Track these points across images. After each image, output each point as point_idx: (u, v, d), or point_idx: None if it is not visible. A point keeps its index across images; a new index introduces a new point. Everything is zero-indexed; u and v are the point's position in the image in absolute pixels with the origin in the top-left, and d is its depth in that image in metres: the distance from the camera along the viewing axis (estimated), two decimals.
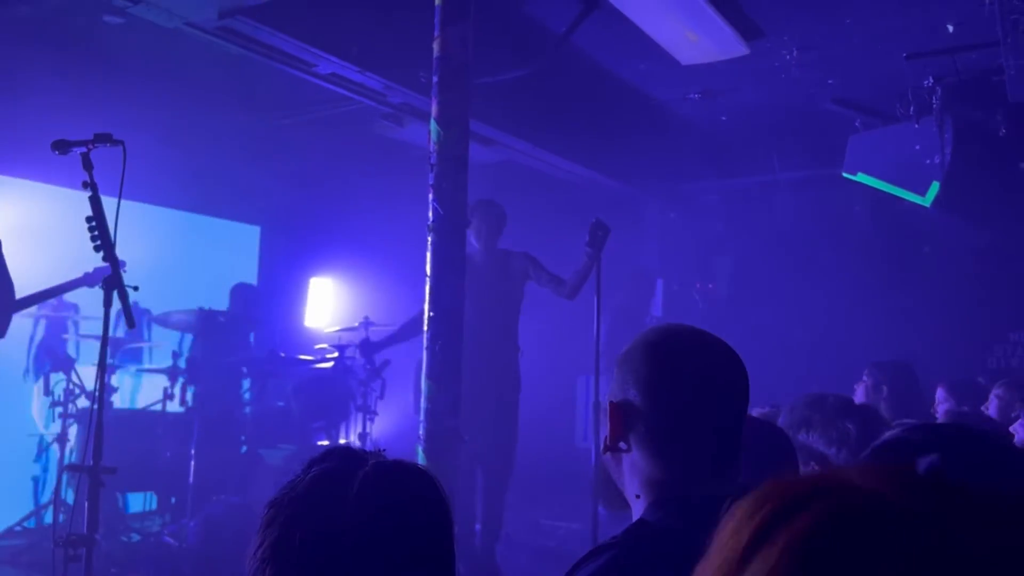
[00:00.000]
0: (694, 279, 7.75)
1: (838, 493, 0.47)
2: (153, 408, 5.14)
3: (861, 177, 5.87)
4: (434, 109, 3.66)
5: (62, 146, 2.74)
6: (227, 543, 4.27)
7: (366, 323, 5.56)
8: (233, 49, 4.44)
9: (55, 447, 4.86)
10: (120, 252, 2.82)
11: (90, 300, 4.52)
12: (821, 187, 6.89)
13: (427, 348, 3.57)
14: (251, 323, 5.76)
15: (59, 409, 4.81)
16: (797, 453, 2.01)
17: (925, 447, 1.14)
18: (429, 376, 3.55)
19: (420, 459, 3.50)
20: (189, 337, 5.69)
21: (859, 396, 3.53)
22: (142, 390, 5.66)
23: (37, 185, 5.15)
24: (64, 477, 4.24)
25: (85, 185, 2.72)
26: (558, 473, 6.05)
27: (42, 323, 5.27)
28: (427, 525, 1.07)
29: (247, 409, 5.47)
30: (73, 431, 4.85)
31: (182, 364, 5.12)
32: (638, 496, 1.21)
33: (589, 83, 5.66)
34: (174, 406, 5.07)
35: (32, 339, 5.20)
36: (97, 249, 2.75)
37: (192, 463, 4.79)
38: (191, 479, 4.76)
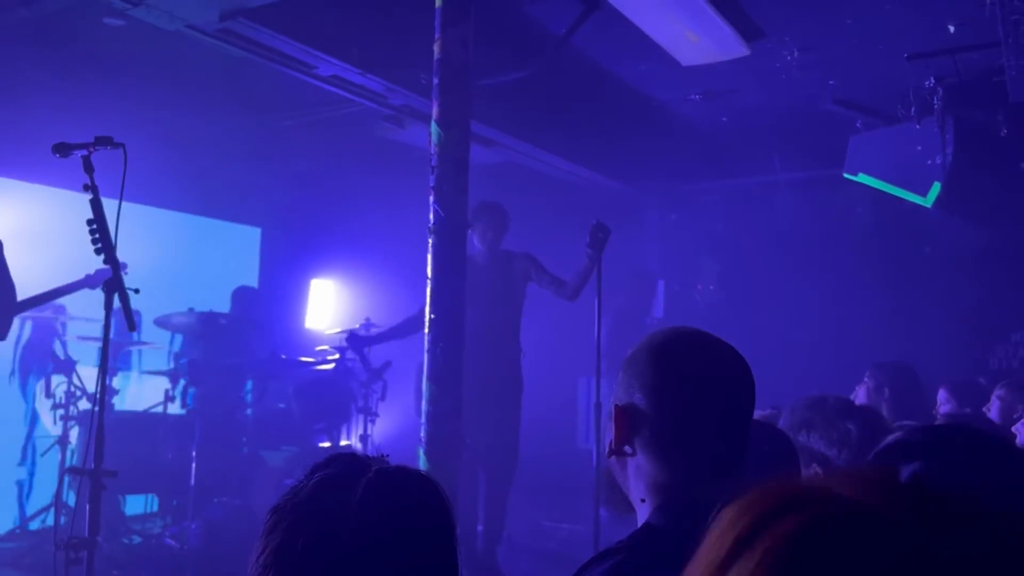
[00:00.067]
0: (695, 280, 7.75)
1: (818, 501, 0.47)
2: (154, 410, 5.13)
3: (862, 178, 5.87)
4: (435, 111, 3.66)
5: (63, 149, 2.74)
6: (228, 545, 4.27)
7: (367, 324, 5.56)
8: (234, 51, 4.44)
9: (56, 448, 4.86)
10: (121, 254, 2.82)
11: (80, 302, 4.53)
12: (822, 188, 6.88)
13: (428, 350, 3.57)
14: (252, 326, 5.76)
15: (60, 411, 4.81)
16: (799, 455, 2.01)
17: (928, 449, 1.14)
18: (430, 378, 3.55)
19: (421, 462, 3.49)
20: (180, 338, 5.69)
21: (860, 397, 3.52)
22: (143, 392, 5.65)
23: (38, 187, 5.15)
24: (65, 480, 4.24)
25: (86, 188, 2.72)
26: (559, 475, 6.04)
27: (29, 324, 5.25)
28: (430, 531, 1.06)
29: (248, 411, 5.47)
30: (74, 433, 4.85)
31: (183, 366, 5.12)
32: (643, 500, 1.20)
33: (589, 84, 5.66)
34: (175, 408, 5.07)
35: (19, 341, 5.18)
36: (98, 252, 2.75)
37: (193, 465, 4.78)
38: (192, 481, 4.76)
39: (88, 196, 2.72)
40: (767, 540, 0.45)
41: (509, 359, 4.73)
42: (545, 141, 6.28)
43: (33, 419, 5.27)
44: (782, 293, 6.73)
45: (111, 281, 2.77)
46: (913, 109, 5.24)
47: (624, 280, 6.77)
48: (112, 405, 5.03)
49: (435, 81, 3.67)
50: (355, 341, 5.06)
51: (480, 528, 4.59)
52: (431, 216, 3.60)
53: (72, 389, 4.84)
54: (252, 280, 6.83)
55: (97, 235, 2.74)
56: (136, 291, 2.85)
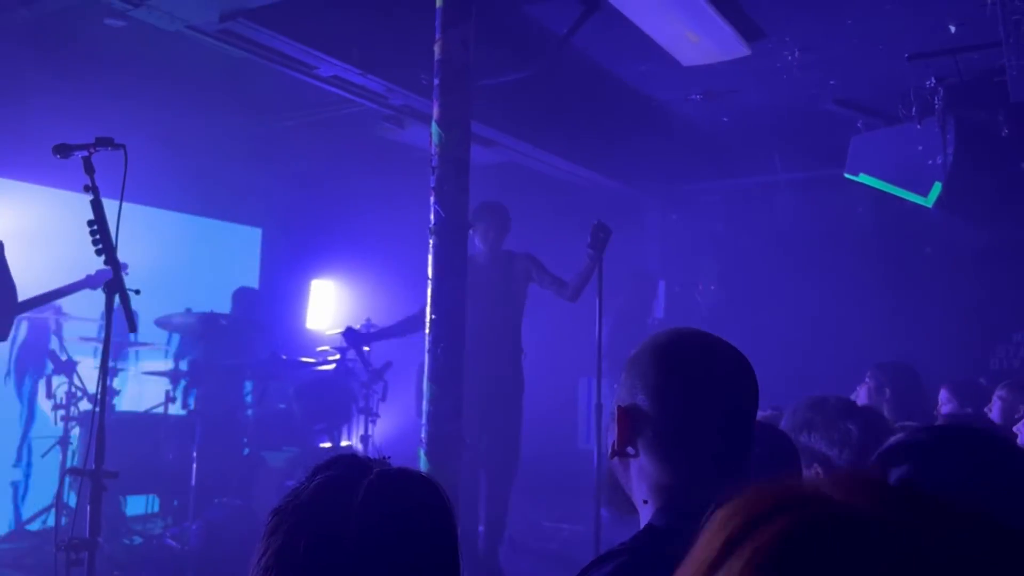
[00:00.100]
0: (696, 280, 7.75)
1: (808, 503, 0.47)
2: (155, 411, 5.14)
3: (863, 178, 5.87)
4: (435, 111, 3.65)
5: (63, 150, 2.74)
6: (229, 545, 4.27)
7: (367, 325, 5.55)
8: (234, 52, 4.44)
9: (57, 449, 4.86)
10: (121, 255, 2.82)
11: (77, 302, 4.53)
12: (823, 188, 6.88)
13: (429, 351, 3.57)
14: (253, 326, 5.76)
15: (61, 412, 4.81)
16: (800, 455, 2.01)
17: (932, 449, 1.13)
18: (431, 379, 3.55)
19: (422, 462, 3.49)
20: (180, 339, 5.69)
21: (862, 398, 3.52)
22: (144, 393, 5.65)
23: (39, 188, 5.16)
24: (66, 480, 4.24)
25: (87, 188, 2.72)
26: (560, 475, 6.04)
27: (24, 324, 5.23)
28: (431, 532, 1.06)
29: (249, 412, 5.47)
30: (75, 434, 4.86)
31: (184, 367, 5.13)
32: (646, 501, 1.20)
33: (590, 84, 5.66)
34: (176, 409, 5.07)
35: (14, 341, 5.17)
36: (99, 252, 2.75)
37: (194, 466, 4.79)
38: (193, 482, 4.76)
39: (89, 197, 2.73)
40: (756, 541, 0.46)
41: (510, 359, 4.73)
42: (545, 141, 6.28)
43: (29, 419, 5.26)
44: (783, 293, 6.73)
45: (112, 282, 2.77)
46: (914, 109, 5.24)
47: (624, 280, 6.77)
48: (113, 406, 5.04)
49: (435, 81, 3.67)
50: (352, 336, 5.02)
51: (481, 529, 4.59)
52: (432, 216, 3.60)
53: (73, 390, 4.84)
54: (253, 281, 6.83)
55: (98, 236, 2.74)
56: (137, 292, 2.85)
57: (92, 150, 2.73)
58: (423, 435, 3.54)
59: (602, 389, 4.20)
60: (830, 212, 6.99)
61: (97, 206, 2.73)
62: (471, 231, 4.45)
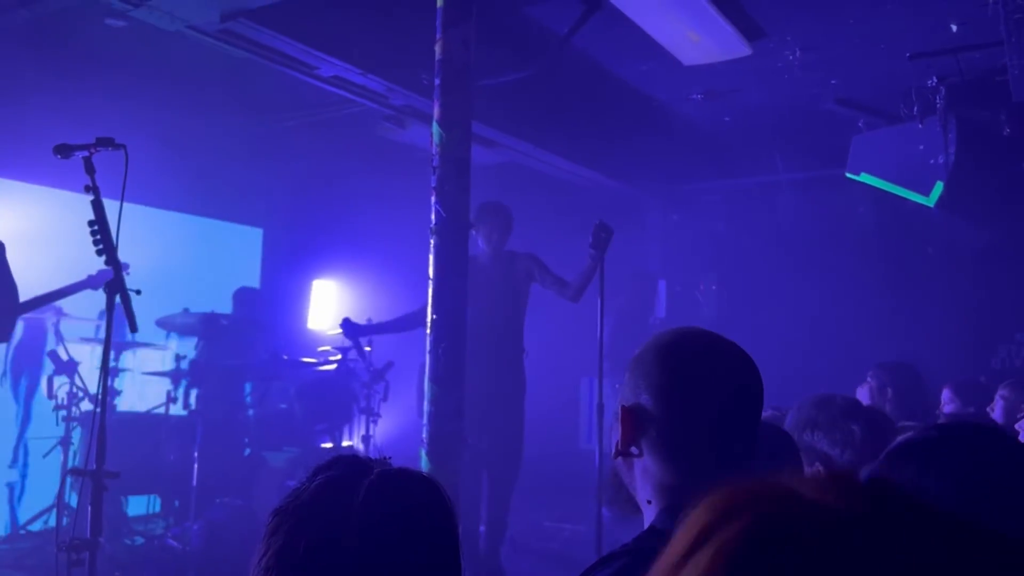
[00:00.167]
0: (696, 280, 7.74)
1: (776, 499, 0.48)
2: (156, 411, 5.14)
3: (864, 177, 5.86)
4: (436, 111, 3.65)
5: (64, 150, 2.74)
6: (230, 546, 4.28)
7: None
8: (235, 52, 4.44)
9: (58, 449, 4.86)
10: (122, 255, 2.82)
11: (76, 303, 4.53)
12: (824, 188, 6.87)
13: (430, 351, 3.56)
14: (254, 326, 5.76)
15: (62, 412, 4.81)
16: (802, 454, 2.00)
17: (941, 447, 1.13)
18: (432, 379, 3.54)
19: (423, 462, 3.49)
20: (182, 339, 5.68)
21: (863, 398, 3.51)
22: (145, 393, 5.65)
23: (39, 189, 5.16)
24: (68, 481, 4.23)
25: (87, 188, 2.72)
26: (562, 475, 6.04)
27: (21, 325, 5.22)
28: (432, 532, 1.06)
29: (250, 412, 5.47)
30: (76, 434, 4.86)
31: (185, 367, 5.13)
32: (650, 501, 1.20)
33: (591, 84, 5.65)
34: (177, 409, 5.07)
35: (11, 341, 5.17)
36: (99, 253, 2.75)
37: (195, 466, 4.79)
38: (194, 482, 4.76)
39: (89, 197, 2.72)
40: (723, 535, 0.46)
41: (512, 359, 4.72)
42: (546, 141, 6.27)
43: (25, 420, 5.26)
44: (783, 293, 6.72)
45: (113, 282, 2.77)
46: (915, 108, 5.23)
47: (625, 281, 6.77)
48: (114, 406, 5.04)
49: (436, 81, 3.67)
50: (349, 328, 5.00)
51: (483, 529, 4.58)
52: (433, 216, 3.60)
53: (74, 390, 4.84)
54: (254, 281, 6.83)
55: (98, 236, 2.74)
56: (138, 292, 2.85)
57: (93, 150, 2.73)
58: (424, 435, 3.54)
59: (604, 389, 4.20)
60: (831, 212, 6.98)
61: (98, 206, 2.73)
62: (473, 231, 4.45)
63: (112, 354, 3.01)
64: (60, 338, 5.05)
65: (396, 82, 4.96)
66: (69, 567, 2.61)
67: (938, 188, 5.46)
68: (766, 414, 2.63)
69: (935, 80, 5.10)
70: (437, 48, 3.65)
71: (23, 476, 5.16)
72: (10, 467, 5.16)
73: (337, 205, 6.90)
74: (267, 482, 4.89)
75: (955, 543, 0.44)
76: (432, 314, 3.57)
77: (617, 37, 4.79)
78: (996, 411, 3.54)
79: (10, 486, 5.14)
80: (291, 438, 5.29)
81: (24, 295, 3.87)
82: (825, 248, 6.85)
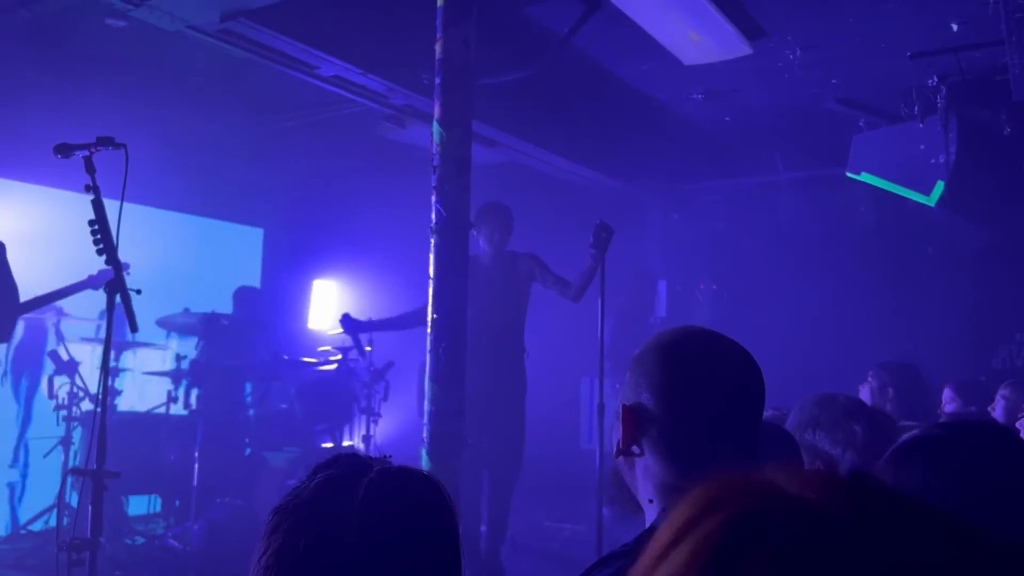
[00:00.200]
0: (697, 280, 7.74)
1: (757, 494, 0.48)
2: (157, 411, 5.14)
3: (865, 177, 5.86)
4: (436, 110, 3.65)
5: (64, 150, 2.74)
6: (231, 545, 4.27)
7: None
8: (235, 52, 4.44)
9: (59, 449, 4.86)
10: (123, 255, 2.82)
11: (76, 303, 4.52)
12: (824, 187, 6.87)
13: (431, 350, 3.56)
14: (255, 326, 5.76)
15: (63, 412, 4.81)
16: (803, 453, 2.00)
17: (947, 444, 1.13)
18: (433, 379, 3.54)
19: (423, 462, 3.49)
20: (182, 339, 5.68)
21: (864, 398, 3.51)
22: (145, 393, 5.65)
23: (40, 189, 5.16)
24: (68, 480, 4.23)
25: (87, 188, 2.72)
26: (562, 475, 6.04)
27: (21, 324, 5.22)
28: (432, 531, 1.06)
29: (251, 412, 5.47)
30: (77, 434, 4.85)
31: (186, 367, 5.13)
32: (651, 500, 1.19)
33: (591, 84, 5.65)
34: (178, 409, 5.07)
35: (11, 341, 5.17)
36: (100, 252, 2.75)
37: (196, 466, 4.79)
38: (195, 482, 4.76)
39: (90, 197, 2.72)
40: (702, 528, 0.47)
41: (513, 359, 4.72)
42: (547, 141, 6.27)
43: (25, 420, 5.26)
44: (784, 293, 6.72)
45: (113, 282, 2.77)
46: (916, 108, 5.22)
47: (625, 280, 6.76)
48: (115, 406, 5.04)
49: (436, 81, 3.67)
50: (349, 324, 4.98)
51: (484, 528, 4.58)
52: (433, 216, 3.60)
53: (75, 390, 4.84)
54: (254, 281, 6.83)
55: (99, 236, 2.74)
56: (138, 292, 2.84)
57: (93, 150, 2.72)
58: (425, 435, 3.54)
59: (604, 389, 4.19)
60: (832, 212, 6.97)
61: (98, 206, 2.73)
62: (474, 231, 4.44)
63: (112, 354, 3.02)
64: (61, 338, 5.04)
65: (396, 81, 4.96)
66: (69, 567, 2.61)
67: (939, 188, 5.45)
68: (767, 414, 2.63)
69: (936, 79, 5.09)
70: (437, 47, 3.65)
71: (24, 476, 5.16)
72: (11, 467, 5.16)
73: (337, 205, 6.89)
74: (268, 482, 4.89)
75: (934, 539, 0.45)
76: (432, 314, 3.57)
77: (617, 37, 4.79)
78: (997, 411, 3.53)
79: (11, 486, 5.14)
80: (292, 438, 5.29)
81: (24, 295, 3.87)
82: (825, 248, 6.84)
